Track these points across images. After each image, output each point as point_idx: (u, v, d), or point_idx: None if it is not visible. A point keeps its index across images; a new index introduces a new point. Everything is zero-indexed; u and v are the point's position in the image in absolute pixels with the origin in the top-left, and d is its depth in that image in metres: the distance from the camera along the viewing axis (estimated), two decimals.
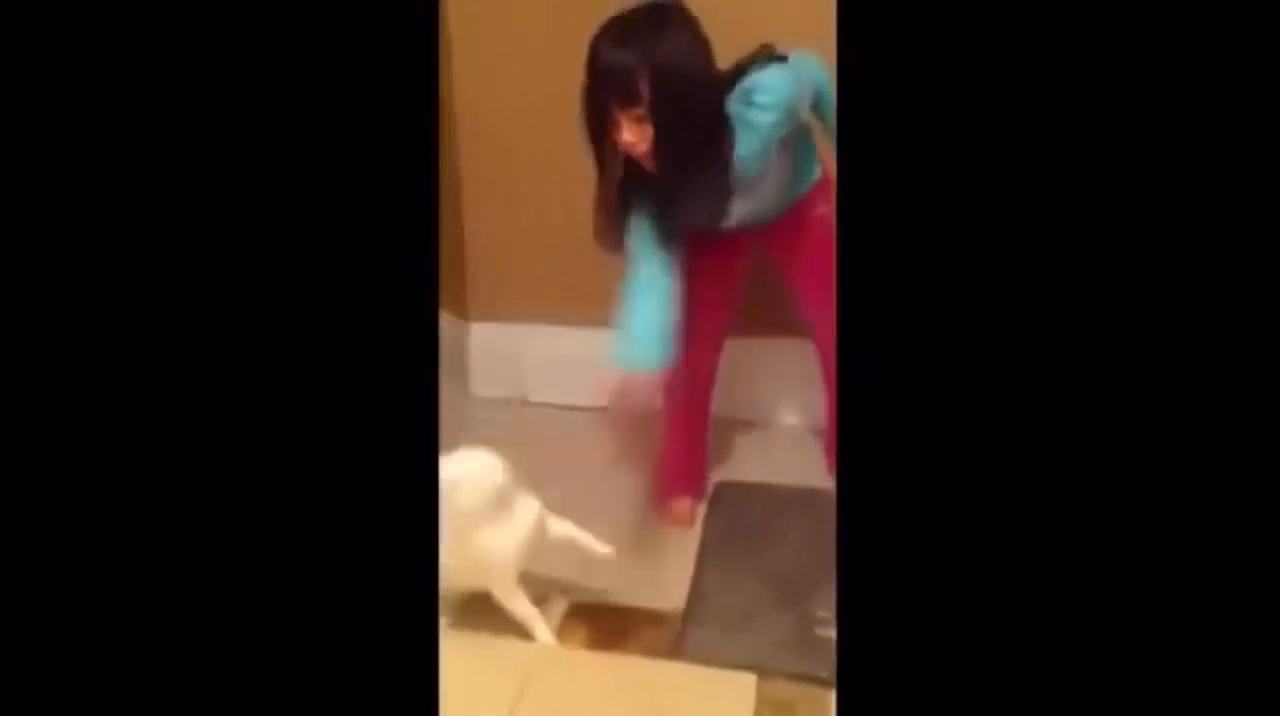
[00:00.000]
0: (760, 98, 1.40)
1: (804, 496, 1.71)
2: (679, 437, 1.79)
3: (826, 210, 1.60)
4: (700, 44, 1.38)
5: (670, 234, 1.49)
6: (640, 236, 1.48)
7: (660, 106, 1.33)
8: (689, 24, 1.37)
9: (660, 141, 1.37)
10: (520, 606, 1.40)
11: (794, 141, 1.53)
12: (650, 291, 1.45)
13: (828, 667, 1.35)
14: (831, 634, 1.41)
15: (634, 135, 1.37)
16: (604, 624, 1.46)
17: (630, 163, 1.42)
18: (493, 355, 2.15)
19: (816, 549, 1.58)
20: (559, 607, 1.49)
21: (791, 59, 1.48)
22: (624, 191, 1.47)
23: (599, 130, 1.41)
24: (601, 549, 1.44)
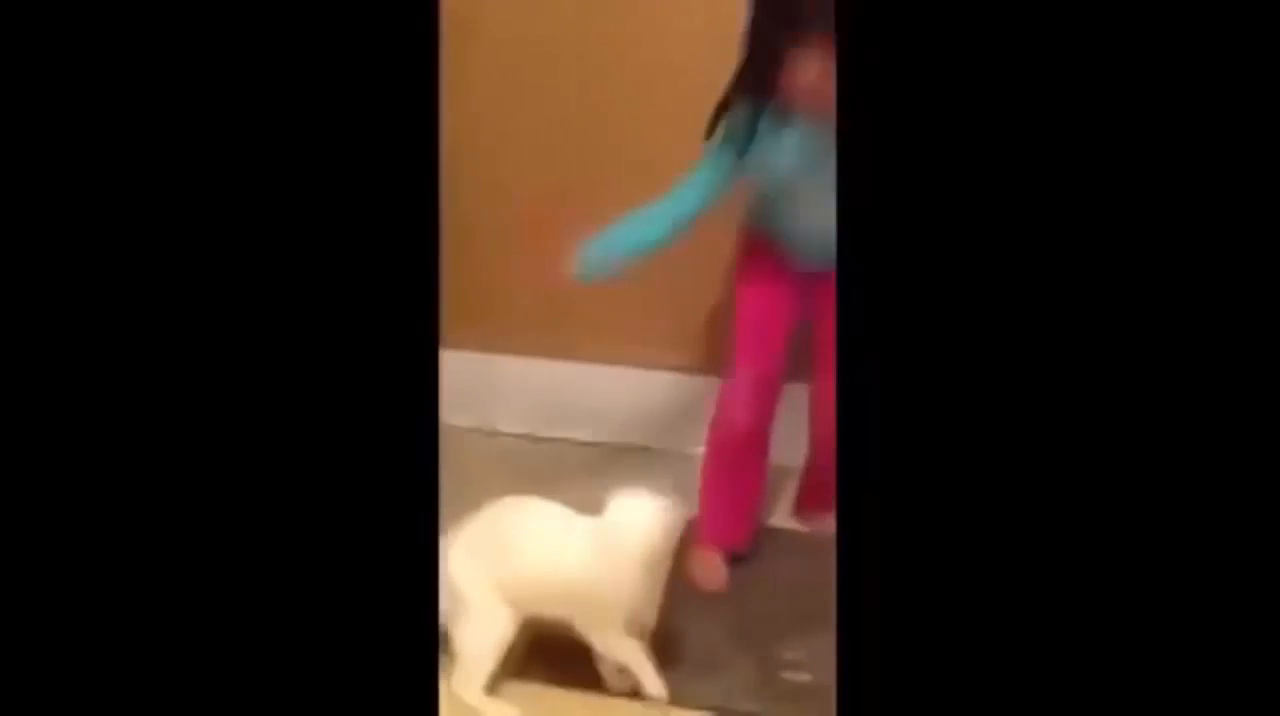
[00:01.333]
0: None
1: (772, 538, 1.71)
2: (714, 484, 1.62)
3: None
4: None
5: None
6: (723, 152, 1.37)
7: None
8: None
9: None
10: (631, 652, 1.33)
11: None
12: (660, 211, 1.40)
13: (793, 711, 1.35)
14: (799, 677, 1.41)
15: (820, 74, 1.23)
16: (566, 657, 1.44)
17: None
18: (463, 384, 2.13)
19: (784, 591, 1.58)
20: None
21: None
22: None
23: (765, 78, 1.29)
24: (652, 687, 1.34)
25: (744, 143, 1.36)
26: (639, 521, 1.27)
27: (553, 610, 1.34)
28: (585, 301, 1.72)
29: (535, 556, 1.33)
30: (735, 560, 1.62)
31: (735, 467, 1.60)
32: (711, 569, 1.60)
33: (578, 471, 1.86)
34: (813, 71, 1.24)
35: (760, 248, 1.55)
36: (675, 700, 1.34)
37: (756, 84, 1.32)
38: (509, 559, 1.33)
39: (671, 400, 1.95)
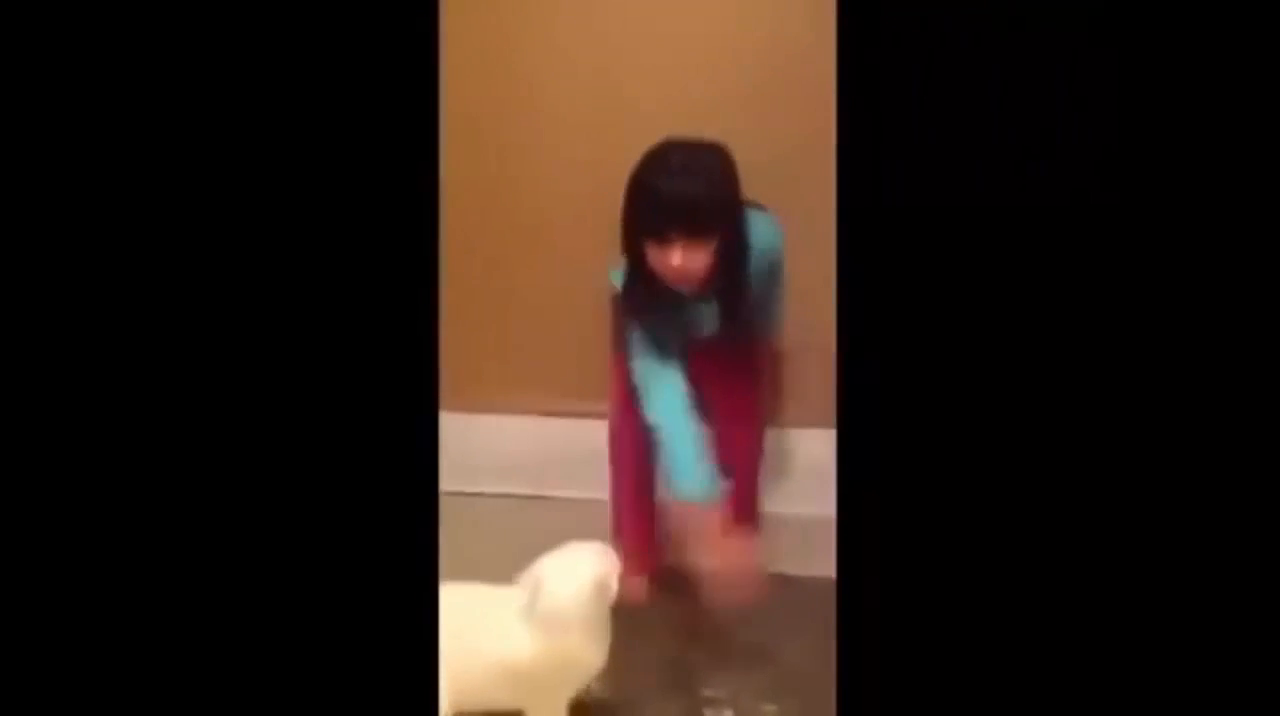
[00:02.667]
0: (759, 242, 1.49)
1: (692, 578, 1.72)
2: (628, 514, 1.73)
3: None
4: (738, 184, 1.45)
5: (680, 348, 1.52)
6: (650, 352, 1.50)
7: (728, 238, 1.40)
8: (732, 164, 1.43)
9: (723, 270, 1.43)
10: None
11: None
12: (681, 415, 1.47)
13: None
14: (721, 714, 1.42)
15: (688, 262, 1.39)
16: None
17: (651, 280, 1.45)
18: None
19: (703, 628, 1.59)
20: None
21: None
22: (638, 306, 1.50)
23: (636, 251, 1.44)
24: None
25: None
26: (566, 588, 1.25)
27: (503, 699, 1.28)
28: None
29: (484, 650, 1.27)
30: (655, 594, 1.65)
31: (633, 501, 1.70)
32: (631, 588, 1.61)
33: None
34: (681, 258, 1.38)
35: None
36: None
37: (631, 255, 1.47)
38: (453, 656, 1.24)
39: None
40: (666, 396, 1.49)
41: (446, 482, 1.80)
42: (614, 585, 1.29)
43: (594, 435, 1.73)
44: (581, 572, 1.26)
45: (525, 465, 1.94)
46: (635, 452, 1.64)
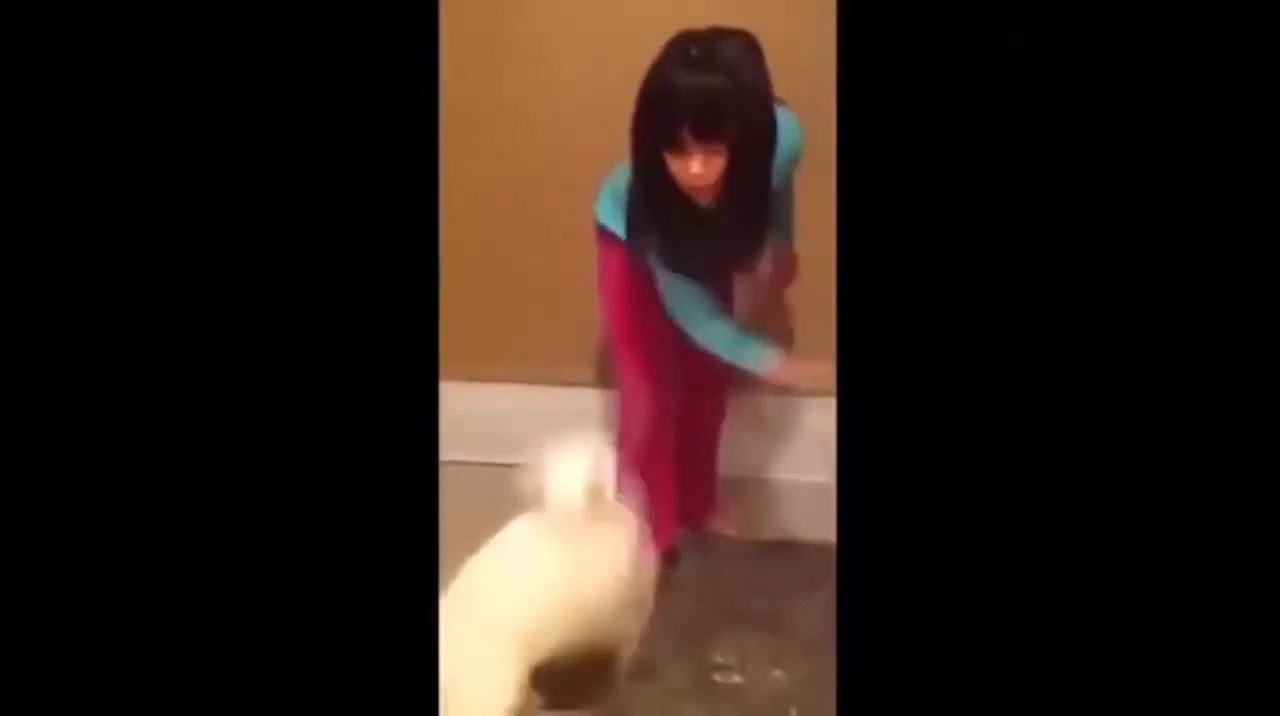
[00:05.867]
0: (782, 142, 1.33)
1: (701, 543, 1.74)
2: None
3: None
4: (767, 76, 1.29)
5: (704, 266, 1.40)
6: (679, 274, 1.39)
7: (744, 139, 1.24)
8: (760, 54, 1.28)
9: (734, 176, 1.26)
10: None
11: None
12: (721, 326, 1.44)
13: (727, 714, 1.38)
14: (730, 680, 1.44)
15: (708, 166, 1.24)
16: None
17: (674, 191, 1.31)
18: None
19: (713, 594, 1.61)
20: None
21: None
22: (651, 221, 1.37)
23: (650, 157, 1.28)
24: None
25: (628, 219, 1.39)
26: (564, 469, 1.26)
27: (573, 637, 1.27)
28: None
29: (548, 586, 1.26)
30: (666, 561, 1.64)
31: (645, 475, 1.59)
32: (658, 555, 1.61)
33: None
34: (699, 164, 1.25)
35: (615, 253, 1.51)
36: (613, 710, 1.36)
37: (644, 175, 1.34)
38: (519, 604, 1.24)
39: None
40: (711, 329, 1.42)
41: (446, 452, 1.82)
42: (608, 469, 1.31)
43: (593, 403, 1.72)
44: (575, 458, 1.28)
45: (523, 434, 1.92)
46: (655, 416, 1.56)
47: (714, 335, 1.44)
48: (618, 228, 1.44)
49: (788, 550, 1.71)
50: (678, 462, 1.62)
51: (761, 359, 1.45)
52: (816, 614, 1.52)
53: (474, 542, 1.31)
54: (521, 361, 1.98)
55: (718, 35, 1.26)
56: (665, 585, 1.60)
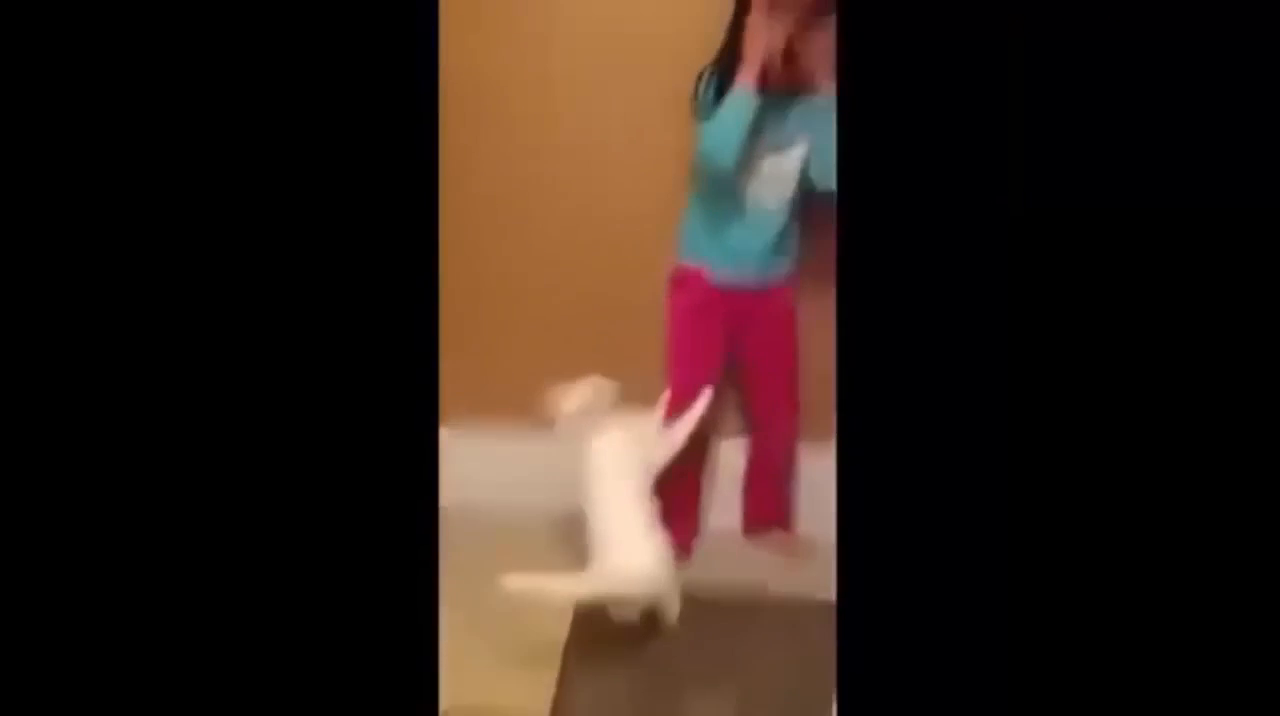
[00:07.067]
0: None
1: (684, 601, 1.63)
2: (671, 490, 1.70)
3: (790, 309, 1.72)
4: None
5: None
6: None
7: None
8: None
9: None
10: None
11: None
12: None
13: None
14: None
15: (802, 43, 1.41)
16: None
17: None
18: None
19: (681, 652, 1.55)
20: None
21: None
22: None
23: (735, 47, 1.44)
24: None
25: (707, 109, 1.52)
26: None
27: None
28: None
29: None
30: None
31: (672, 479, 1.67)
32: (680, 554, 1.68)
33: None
34: (778, 43, 1.41)
35: (688, 278, 1.68)
36: None
37: (728, 52, 1.47)
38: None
39: None
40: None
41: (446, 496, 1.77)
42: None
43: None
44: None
45: (525, 478, 1.90)
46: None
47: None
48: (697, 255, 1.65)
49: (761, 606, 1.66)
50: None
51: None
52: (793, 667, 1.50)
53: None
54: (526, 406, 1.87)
55: None
56: (632, 645, 1.55)
